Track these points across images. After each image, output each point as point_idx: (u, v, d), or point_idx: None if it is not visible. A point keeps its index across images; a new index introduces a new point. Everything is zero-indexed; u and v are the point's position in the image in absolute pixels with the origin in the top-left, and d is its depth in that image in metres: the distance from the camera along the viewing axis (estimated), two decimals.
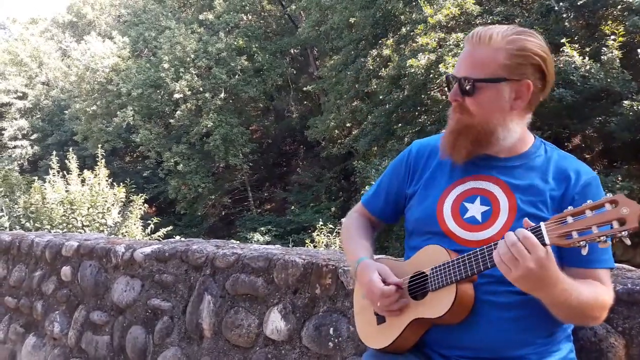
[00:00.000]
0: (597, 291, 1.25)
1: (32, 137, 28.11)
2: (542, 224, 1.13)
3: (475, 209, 1.38)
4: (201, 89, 19.59)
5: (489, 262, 1.21)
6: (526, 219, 1.18)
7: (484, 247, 1.24)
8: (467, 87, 1.32)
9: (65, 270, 3.59)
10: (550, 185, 1.34)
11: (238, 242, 3.22)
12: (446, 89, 1.42)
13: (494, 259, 1.18)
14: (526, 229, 1.15)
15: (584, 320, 1.30)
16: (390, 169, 1.63)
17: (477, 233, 1.35)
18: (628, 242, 1.04)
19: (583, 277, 1.27)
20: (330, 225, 11.15)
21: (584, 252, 1.08)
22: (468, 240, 1.34)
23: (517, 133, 1.37)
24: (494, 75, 1.30)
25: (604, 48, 9.23)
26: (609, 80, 9.07)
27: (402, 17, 12.91)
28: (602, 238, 1.05)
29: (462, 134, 1.37)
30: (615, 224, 1.03)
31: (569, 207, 1.12)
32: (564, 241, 1.09)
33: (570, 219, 1.09)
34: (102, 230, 7.76)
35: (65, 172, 8.47)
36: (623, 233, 1.03)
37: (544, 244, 1.11)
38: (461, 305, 1.28)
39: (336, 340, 2.09)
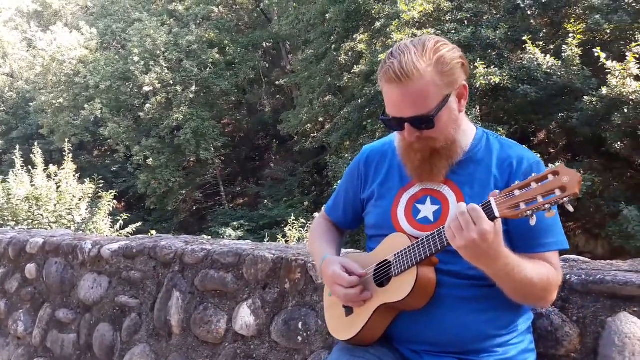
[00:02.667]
0: (543, 271, 1.30)
1: None
2: (491, 198, 1.19)
3: (427, 209, 1.43)
4: (171, 82, 19.28)
5: (445, 240, 1.25)
6: (495, 191, 1.21)
7: (441, 227, 1.27)
8: (425, 125, 1.32)
9: (30, 268, 3.51)
10: (494, 176, 1.39)
11: (209, 237, 3.22)
12: (391, 130, 1.44)
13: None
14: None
15: (532, 299, 1.34)
16: (345, 178, 1.67)
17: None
18: (570, 208, 1.11)
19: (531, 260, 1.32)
20: (303, 220, 11.16)
21: (532, 222, 1.14)
22: None
23: (468, 129, 1.43)
24: (442, 98, 1.31)
25: (564, 46, 9.48)
26: (570, 77, 9.33)
27: (373, 11, 12.96)
28: (546, 206, 1.11)
29: (433, 158, 1.38)
30: (558, 192, 1.10)
31: (516, 182, 1.18)
32: (512, 212, 1.15)
33: (517, 192, 1.15)
34: (69, 227, 7.59)
35: (30, 166, 8.25)
36: (565, 199, 1.10)
37: (495, 217, 1.17)
38: (423, 288, 1.31)
39: (305, 334, 2.12)
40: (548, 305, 1.51)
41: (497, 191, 1.20)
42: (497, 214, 1.17)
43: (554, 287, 1.33)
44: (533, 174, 1.15)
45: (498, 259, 1.21)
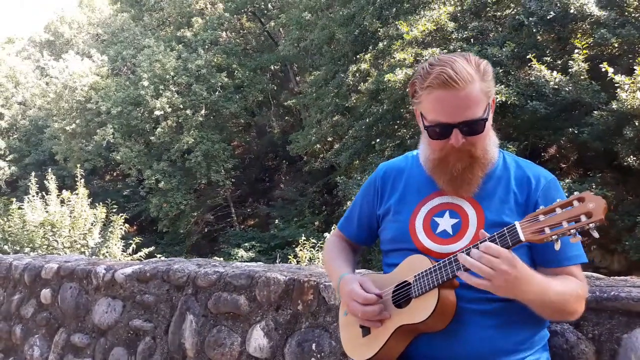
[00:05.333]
0: (571, 285, 1.32)
1: (9, 158, 27.63)
2: (516, 222, 1.20)
3: (446, 223, 1.44)
4: (181, 105, 19.54)
5: None
6: (482, 230, 1.25)
7: (462, 249, 1.28)
8: (476, 129, 1.35)
9: (45, 293, 3.55)
10: (513, 192, 1.42)
11: (221, 259, 3.24)
12: (435, 139, 1.39)
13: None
14: (486, 239, 1.23)
15: (564, 314, 1.36)
16: (361, 194, 1.68)
17: (450, 245, 1.40)
18: (596, 234, 1.11)
19: (556, 274, 1.34)
20: (314, 240, 11.14)
21: (557, 246, 1.15)
22: (442, 254, 1.37)
23: (496, 142, 1.45)
24: (486, 106, 1.36)
25: (570, 62, 9.51)
26: (579, 92, 9.32)
27: (379, 32, 13.12)
28: (572, 231, 1.12)
29: (472, 167, 1.39)
30: (583, 218, 1.11)
31: (541, 207, 1.19)
32: (537, 236, 1.16)
33: (542, 217, 1.17)
34: (83, 252, 7.65)
35: (44, 192, 8.37)
36: (590, 225, 1.10)
37: (519, 241, 1.18)
38: (444, 310, 1.31)
39: (318, 355, 2.12)
40: (577, 317, 1.50)
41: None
42: (522, 237, 1.18)
43: (582, 299, 1.35)
44: (558, 200, 1.17)
45: (532, 282, 1.22)
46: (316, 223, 17.13)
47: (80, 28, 32.41)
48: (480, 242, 1.23)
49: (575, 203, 1.13)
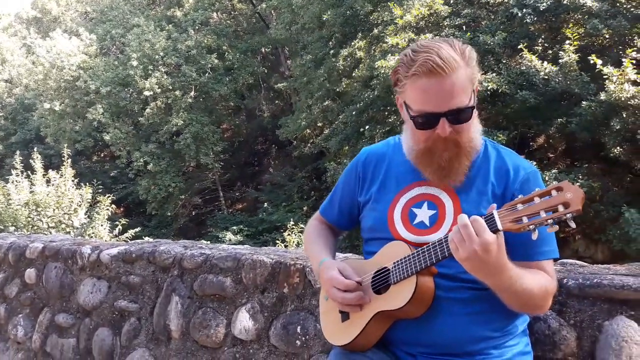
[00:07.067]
0: (542, 281, 1.32)
1: None
2: (494, 211, 1.19)
3: (423, 214, 1.43)
4: (171, 87, 19.32)
5: (447, 251, 1.25)
6: (494, 204, 1.23)
7: (442, 238, 1.28)
8: (464, 117, 1.32)
9: (30, 273, 3.52)
10: (491, 184, 1.40)
11: (208, 242, 3.23)
12: (421, 129, 1.35)
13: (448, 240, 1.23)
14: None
15: (530, 308, 1.36)
16: (342, 179, 1.67)
17: (426, 236, 1.40)
18: (573, 224, 1.11)
19: (528, 268, 1.34)
20: (302, 225, 11.17)
21: (534, 236, 1.14)
22: (419, 244, 1.37)
23: (480, 128, 1.43)
24: (471, 92, 1.33)
25: (561, 52, 9.53)
26: (568, 82, 9.36)
27: (371, 17, 13.02)
28: (549, 221, 1.12)
29: (459, 157, 1.37)
30: (561, 208, 1.10)
31: (520, 196, 1.18)
32: (515, 226, 1.15)
33: (520, 206, 1.16)
34: (69, 232, 7.60)
35: (29, 172, 8.27)
36: (567, 215, 1.10)
37: (497, 230, 1.17)
38: (421, 296, 1.32)
39: (303, 338, 2.13)
40: (544, 312, 1.53)
41: (495, 205, 1.21)
42: (499, 226, 1.17)
43: (550, 295, 1.35)
44: (537, 189, 1.16)
45: (502, 272, 1.22)
46: (304, 208, 17.16)
47: (69, 5, 31.79)
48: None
49: (554, 192, 1.12)
